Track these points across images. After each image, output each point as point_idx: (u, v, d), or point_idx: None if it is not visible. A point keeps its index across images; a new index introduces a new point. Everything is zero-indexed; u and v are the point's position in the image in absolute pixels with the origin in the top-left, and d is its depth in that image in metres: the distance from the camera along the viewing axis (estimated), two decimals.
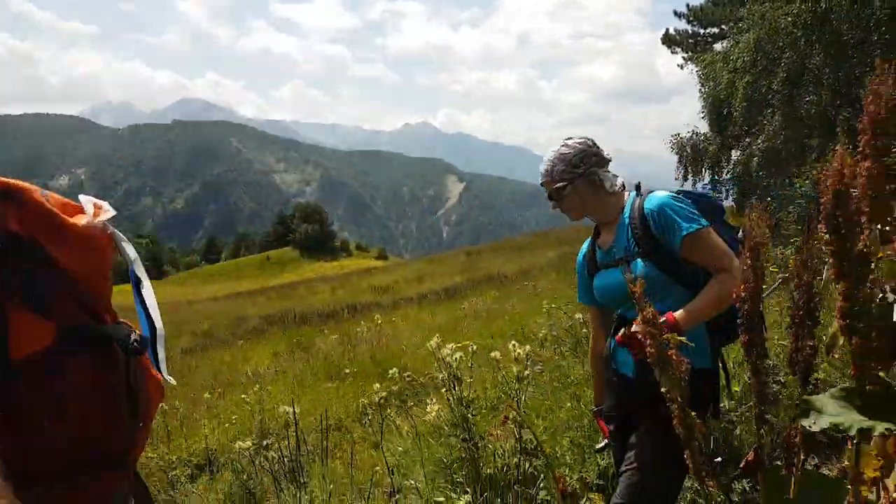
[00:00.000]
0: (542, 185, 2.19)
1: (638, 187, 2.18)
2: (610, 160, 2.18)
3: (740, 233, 2.16)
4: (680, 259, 1.99)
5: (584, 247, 2.33)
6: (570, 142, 2.14)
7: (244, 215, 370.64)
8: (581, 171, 2.10)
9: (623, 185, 2.19)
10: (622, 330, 1.91)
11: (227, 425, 5.32)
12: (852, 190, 1.20)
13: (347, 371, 7.44)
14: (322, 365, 8.45)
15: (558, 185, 2.12)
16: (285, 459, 3.04)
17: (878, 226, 1.21)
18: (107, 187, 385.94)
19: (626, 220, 2.07)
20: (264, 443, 3.78)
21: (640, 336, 1.75)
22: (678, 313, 1.89)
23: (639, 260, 2.01)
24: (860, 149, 1.24)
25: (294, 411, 3.09)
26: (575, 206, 2.15)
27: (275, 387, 7.43)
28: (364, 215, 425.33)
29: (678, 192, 2.14)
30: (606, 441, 2.27)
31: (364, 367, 7.64)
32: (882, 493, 1.30)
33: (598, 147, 2.16)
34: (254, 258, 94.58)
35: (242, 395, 6.13)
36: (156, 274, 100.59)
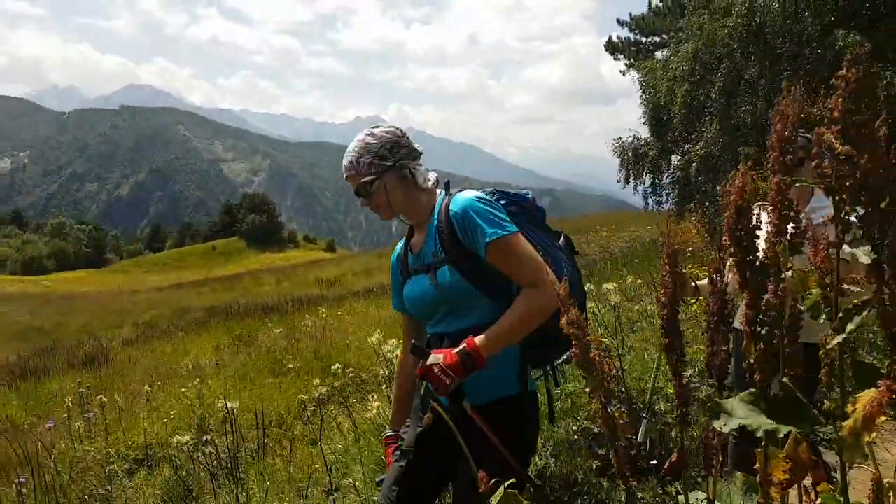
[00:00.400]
0: (346, 179, 1.88)
1: (447, 185, 1.95)
2: (421, 153, 1.94)
3: (561, 239, 2.02)
4: (488, 268, 1.76)
5: (399, 247, 2.08)
6: (376, 131, 1.88)
7: (190, 204, 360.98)
8: (390, 164, 1.84)
9: (437, 182, 1.98)
10: (420, 362, 1.74)
11: (165, 420, 5.22)
12: (751, 206, 1.29)
13: (290, 366, 7.36)
14: (265, 359, 8.34)
15: (365, 179, 1.83)
16: (223, 455, 3.00)
17: (787, 237, 1.30)
18: (50, 171, 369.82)
19: (434, 222, 1.86)
20: (203, 438, 3.72)
21: (436, 371, 1.65)
22: (479, 339, 1.67)
23: (445, 267, 1.80)
24: (770, 165, 1.33)
25: (231, 407, 3.06)
26: (384, 203, 1.87)
27: (215, 381, 7.30)
28: (313, 207, 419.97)
29: (492, 192, 1.94)
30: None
31: (308, 362, 7.57)
32: (804, 497, 1.39)
33: (408, 138, 1.91)
34: (199, 248, 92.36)
35: (182, 389, 6.02)
36: (98, 261, 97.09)
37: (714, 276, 1.52)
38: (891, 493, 1.23)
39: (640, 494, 2.83)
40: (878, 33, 10.67)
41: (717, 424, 1.24)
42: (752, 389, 1.30)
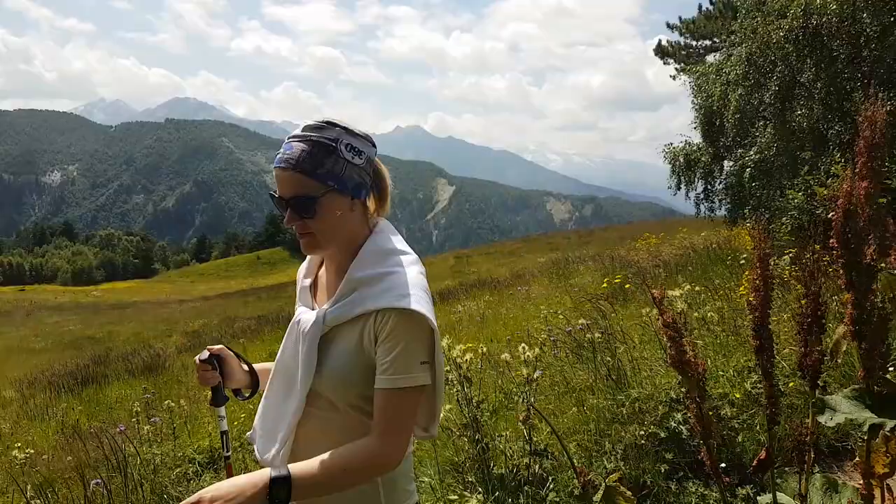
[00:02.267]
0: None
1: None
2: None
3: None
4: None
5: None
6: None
7: (235, 215, 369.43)
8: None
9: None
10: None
11: (234, 423, 5.38)
12: (860, 209, 1.33)
13: None
14: None
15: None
16: None
17: (876, 240, 1.33)
18: (98, 184, 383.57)
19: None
20: None
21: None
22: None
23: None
24: (857, 170, 1.36)
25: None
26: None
27: None
28: None
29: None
30: None
31: None
32: (886, 494, 1.41)
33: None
34: (244, 258, 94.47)
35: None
36: (146, 272, 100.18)
37: (807, 279, 1.55)
38: None
39: (716, 495, 2.84)
40: None
41: (822, 419, 1.28)
42: (856, 385, 1.34)
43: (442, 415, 3.15)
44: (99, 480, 3.80)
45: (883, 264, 1.33)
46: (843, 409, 1.22)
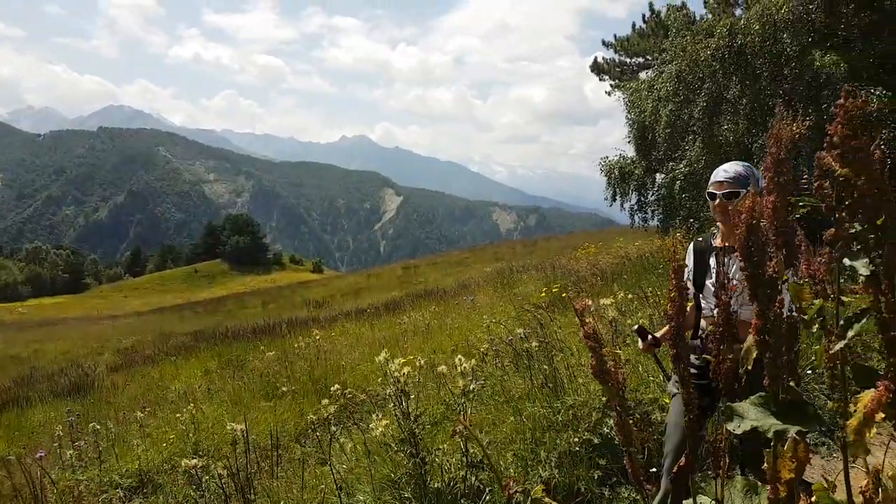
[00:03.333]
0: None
1: None
2: None
3: None
4: None
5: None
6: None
7: (171, 226, 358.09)
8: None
9: None
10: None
11: (164, 445, 5.19)
12: (762, 223, 1.40)
13: (285, 389, 7.35)
14: (258, 383, 8.31)
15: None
16: (235, 477, 3.03)
17: (782, 252, 1.40)
18: (25, 195, 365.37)
19: None
20: (201, 464, 3.73)
21: None
22: None
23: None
24: (766, 185, 1.44)
25: (240, 429, 3.10)
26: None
27: (208, 406, 7.26)
28: (298, 227, 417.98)
29: None
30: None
31: (302, 384, 7.56)
32: (802, 497, 1.48)
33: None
34: (181, 271, 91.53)
35: (177, 415, 5.99)
36: (76, 287, 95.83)
37: (719, 290, 1.62)
38: (890, 483, 1.33)
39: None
40: (852, 53, 11.03)
41: (730, 426, 1.33)
42: (762, 393, 1.40)
43: (379, 430, 3.13)
44: None
45: (787, 276, 1.40)
46: (750, 416, 1.28)
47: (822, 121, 9.98)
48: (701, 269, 2.80)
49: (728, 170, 2.66)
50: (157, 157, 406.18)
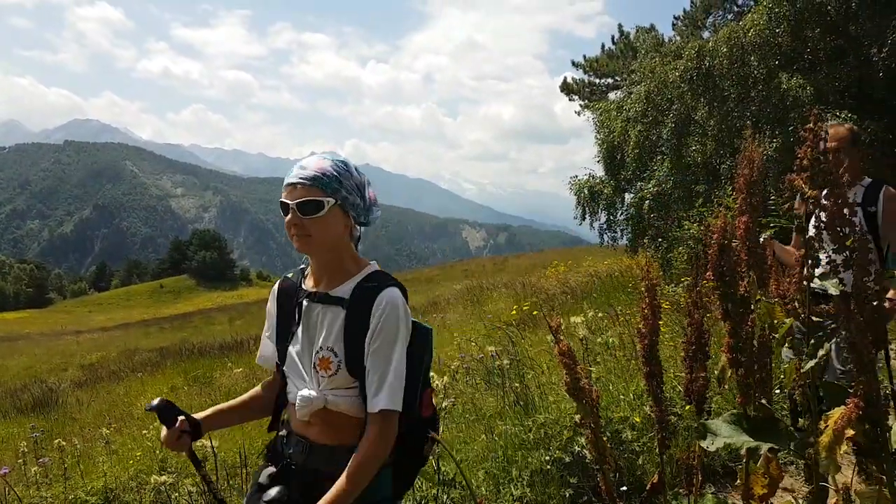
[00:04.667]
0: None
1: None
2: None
3: None
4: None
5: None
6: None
7: (137, 241, 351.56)
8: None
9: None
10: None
11: (131, 462, 5.05)
12: (734, 243, 1.42)
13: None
14: (225, 399, 8.15)
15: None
16: (206, 494, 2.96)
17: (755, 272, 1.43)
18: None
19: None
20: (170, 480, 3.64)
21: None
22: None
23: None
24: (738, 206, 1.47)
25: (213, 445, 3.03)
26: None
27: None
28: (266, 243, 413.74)
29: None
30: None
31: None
32: None
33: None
34: (146, 286, 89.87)
35: (143, 432, 5.85)
36: (40, 301, 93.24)
37: (692, 308, 1.64)
38: (859, 499, 1.35)
39: None
40: (818, 76, 11.40)
41: (704, 444, 1.34)
42: (734, 410, 1.42)
43: None
44: None
45: (760, 295, 1.42)
46: (723, 434, 1.29)
47: (790, 143, 10.26)
48: (286, 321, 1.82)
49: (306, 166, 1.69)
50: (124, 172, 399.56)
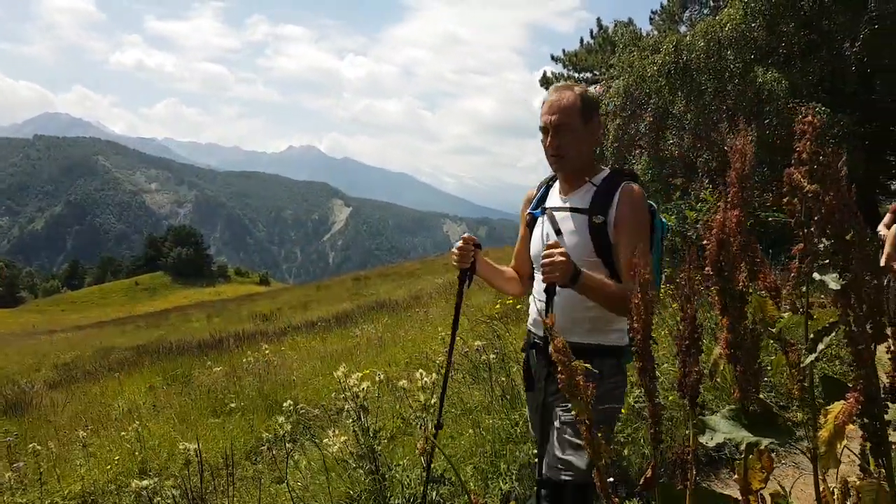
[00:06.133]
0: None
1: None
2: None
3: None
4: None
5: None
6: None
7: (111, 237, 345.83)
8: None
9: None
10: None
11: (109, 466, 4.97)
12: (732, 238, 1.41)
13: (233, 405, 7.14)
14: (205, 399, 8.05)
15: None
16: (187, 497, 2.91)
17: (746, 266, 1.43)
18: None
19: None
20: (151, 484, 3.58)
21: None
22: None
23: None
24: (730, 200, 1.46)
25: (194, 448, 2.98)
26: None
27: (154, 423, 7.00)
28: (244, 239, 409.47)
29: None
30: None
31: (251, 400, 7.37)
32: None
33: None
34: (121, 284, 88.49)
35: (122, 433, 5.76)
36: (11, 301, 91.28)
37: (684, 303, 1.64)
38: (853, 491, 1.36)
39: None
40: (792, 70, 11.57)
41: (703, 440, 1.34)
42: (732, 406, 1.42)
43: (337, 447, 3.06)
44: None
45: (751, 289, 1.42)
46: (722, 429, 1.28)
47: (765, 136, 10.40)
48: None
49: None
50: (97, 167, 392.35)
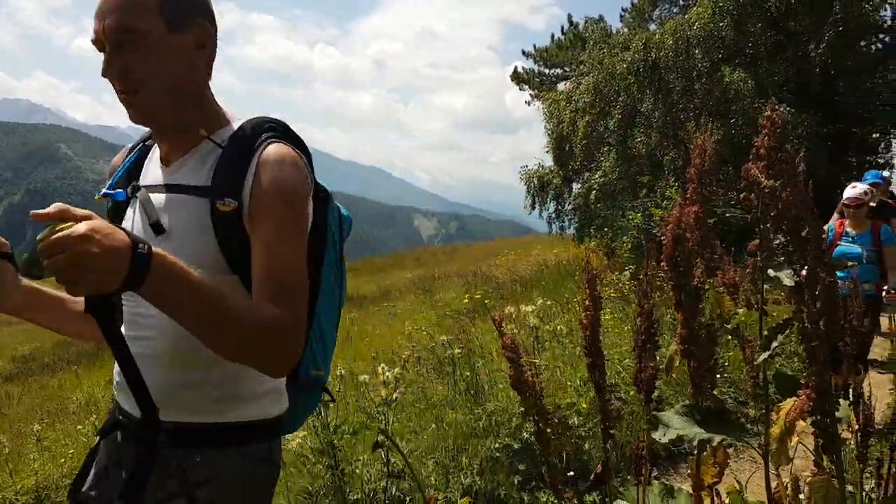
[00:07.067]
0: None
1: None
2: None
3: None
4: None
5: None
6: None
7: None
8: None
9: None
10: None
11: (63, 460, 4.84)
12: (688, 235, 1.40)
13: None
14: None
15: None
16: None
17: (703, 262, 1.42)
18: None
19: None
20: None
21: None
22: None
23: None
24: (688, 196, 1.45)
25: None
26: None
27: None
28: None
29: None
30: None
31: None
32: (716, 499, 1.50)
33: None
34: None
35: (78, 427, 5.61)
36: None
37: (641, 298, 1.63)
38: (805, 487, 1.36)
39: None
40: (759, 70, 11.78)
41: (656, 435, 1.33)
42: (686, 402, 1.41)
43: (296, 441, 3.00)
44: None
45: (709, 285, 1.42)
46: (675, 426, 1.27)
47: (731, 135, 10.56)
48: None
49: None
50: (58, 154, 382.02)
